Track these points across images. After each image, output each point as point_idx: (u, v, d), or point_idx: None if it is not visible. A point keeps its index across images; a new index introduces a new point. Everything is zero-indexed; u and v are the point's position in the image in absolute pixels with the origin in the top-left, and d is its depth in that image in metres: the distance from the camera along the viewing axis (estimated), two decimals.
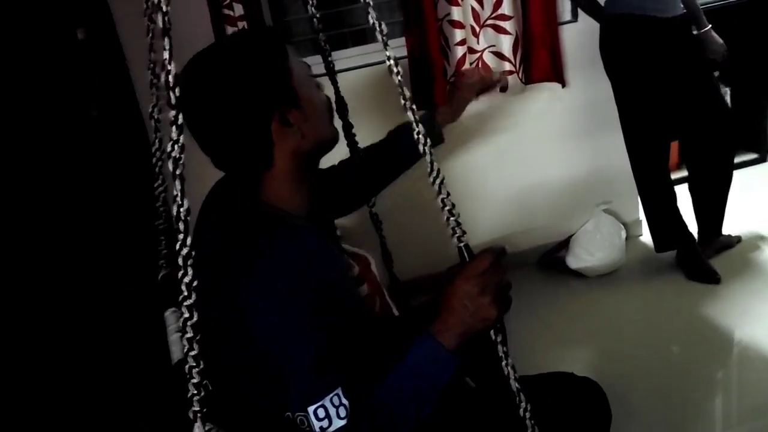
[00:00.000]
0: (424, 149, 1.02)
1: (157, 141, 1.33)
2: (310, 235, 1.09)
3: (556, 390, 1.31)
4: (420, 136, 1.01)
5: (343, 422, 0.96)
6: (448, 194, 1.01)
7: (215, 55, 1.09)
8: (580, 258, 2.79)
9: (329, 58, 1.48)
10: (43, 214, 2.28)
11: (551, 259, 2.90)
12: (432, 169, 1.01)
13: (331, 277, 1.09)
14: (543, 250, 2.92)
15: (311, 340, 0.97)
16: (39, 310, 2.31)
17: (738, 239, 2.80)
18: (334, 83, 1.49)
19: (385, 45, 1.04)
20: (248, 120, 1.05)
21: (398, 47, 2.56)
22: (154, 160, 1.34)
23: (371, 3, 1.05)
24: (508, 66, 2.57)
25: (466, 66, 2.54)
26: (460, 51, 2.53)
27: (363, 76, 2.55)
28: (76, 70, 2.21)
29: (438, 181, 1.01)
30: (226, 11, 2.32)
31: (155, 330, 1.29)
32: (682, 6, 2.40)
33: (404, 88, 1.02)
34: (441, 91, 2.55)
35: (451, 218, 1.01)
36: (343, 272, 1.15)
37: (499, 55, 2.57)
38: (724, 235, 2.76)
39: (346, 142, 1.51)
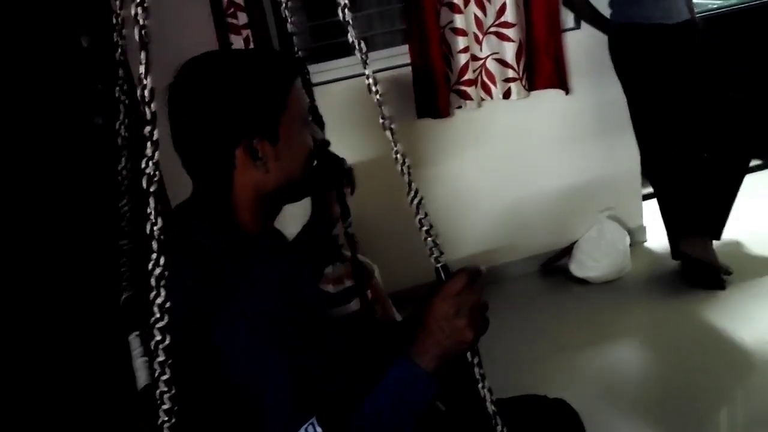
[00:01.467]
0: (402, 169, 0.99)
1: (123, 159, 1.29)
2: (280, 260, 1.09)
3: (528, 413, 1.30)
4: (399, 155, 0.98)
5: None
6: (426, 215, 0.98)
7: (218, 59, 1.07)
8: (583, 264, 2.78)
9: (306, 70, 1.40)
10: (46, 222, 2.29)
11: (554, 266, 2.90)
12: (410, 189, 0.98)
13: (302, 298, 1.08)
14: (546, 257, 2.92)
15: (286, 365, 0.96)
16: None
17: (728, 272, 2.65)
18: (311, 96, 1.40)
19: (365, 63, 1.00)
20: (215, 134, 1.02)
21: (401, 55, 2.57)
22: (119, 177, 1.30)
23: (351, 22, 1.01)
24: (511, 73, 2.57)
25: (469, 74, 2.54)
26: (463, 58, 2.53)
27: (358, 85, 2.56)
28: (80, 77, 2.22)
29: (416, 201, 0.98)
30: (230, 20, 2.33)
31: (118, 354, 1.26)
32: (687, 11, 2.41)
33: (383, 107, 1.00)
34: (444, 100, 2.55)
35: (429, 238, 0.98)
36: (317, 294, 1.13)
37: (503, 63, 2.57)
38: (715, 256, 2.65)
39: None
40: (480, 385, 1.00)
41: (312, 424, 0.95)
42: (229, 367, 0.94)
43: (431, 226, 0.98)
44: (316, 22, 2.76)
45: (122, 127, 1.28)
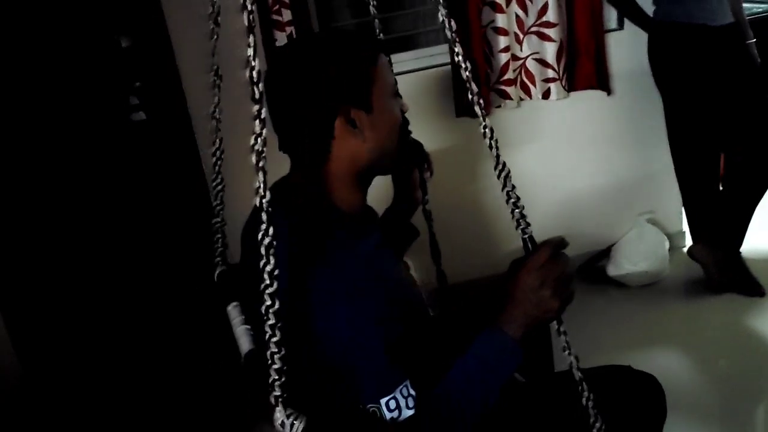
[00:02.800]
0: (490, 143, 1.05)
1: (217, 140, 1.36)
2: (372, 235, 1.16)
3: (613, 382, 1.32)
4: (486, 129, 1.04)
5: (411, 412, 1.01)
6: (514, 187, 1.05)
7: (309, 41, 1.17)
8: (621, 267, 2.76)
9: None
10: (95, 218, 2.37)
11: (591, 268, 2.88)
12: (498, 163, 1.05)
13: (392, 274, 1.15)
14: (583, 258, 2.90)
15: (381, 335, 1.02)
16: (90, 315, 2.41)
17: (762, 293, 2.58)
18: None
19: (454, 41, 1.05)
20: (316, 106, 1.08)
21: (442, 54, 2.59)
22: (213, 159, 1.37)
23: (442, 1, 1.06)
24: (551, 73, 2.57)
25: (509, 74, 2.54)
26: (503, 58, 2.54)
27: (406, 82, 2.58)
28: (121, 76, 2.30)
29: (504, 175, 1.05)
30: (275, 17, 2.38)
31: (216, 327, 1.33)
32: (731, 15, 2.37)
33: (472, 84, 1.05)
34: (484, 99, 2.56)
35: (516, 210, 1.04)
36: (401, 270, 1.20)
37: (543, 63, 2.57)
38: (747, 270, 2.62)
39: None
40: (566, 353, 1.06)
41: (406, 386, 1.01)
42: (327, 333, 1.01)
43: (518, 198, 1.05)
44: (360, 19, 2.79)
45: (216, 110, 1.35)
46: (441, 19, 1.05)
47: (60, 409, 2.35)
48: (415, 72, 2.58)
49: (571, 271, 1.05)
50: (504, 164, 1.05)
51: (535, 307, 1.03)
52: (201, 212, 2.41)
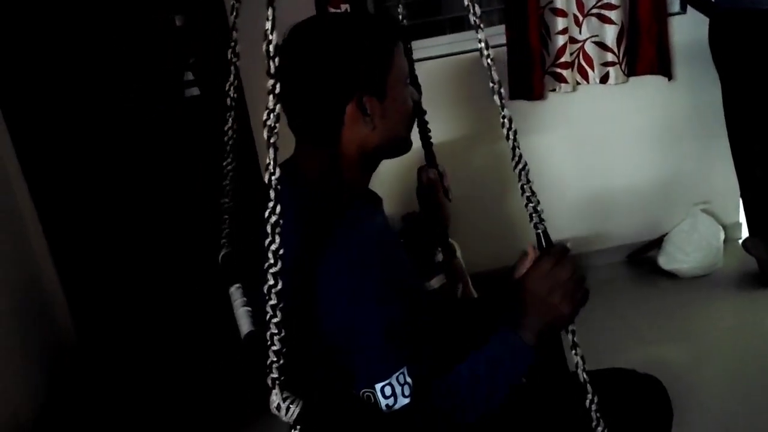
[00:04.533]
0: (507, 134, 1.01)
1: (230, 119, 1.34)
2: (377, 216, 1.15)
3: (617, 385, 1.30)
4: (505, 120, 1.01)
5: (407, 400, 0.99)
6: (529, 181, 1.01)
7: (329, 21, 1.12)
8: (673, 257, 2.71)
9: (408, 45, 1.46)
10: (150, 192, 2.42)
11: (642, 258, 2.83)
12: (514, 155, 1.02)
13: (397, 257, 1.13)
14: (634, 247, 2.86)
15: (382, 316, 1.00)
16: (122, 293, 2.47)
17: None
18: (411, 69, 1.45)
19: (477, 27, 1.01)
20: (329, 89, 1.06)
21: (497, 35, 2.54)
22: (225, 138, 1.35)
23: None
24: (610, 57, 2.51)
25: (566, 56, 2.49)
26: (561, 40, 2.48)
27: (456, 64, 2.55)
28: (176, 52, 2.32)
29: (519, 167, 1.01)
30: None
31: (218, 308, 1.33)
32: None
33: (493, 71, 1.01)
34: (538, 82, 2.52)
35: (530, 204, 1.01)
36: (404, 254, 1.18)
37: (602, 46, 2.51)
38: None
39: (418, 128, 1.50)
40: (573, 352, 1.03)
41: (402, 373, 0.99)
42: (328, 313, 0.99)
43: (533, 193, 1.01)
44: None
45: (231, 88, 1.32)
46: (465, 3, 1.00)
47: (108, 372, 2.44)
48: (465, 54, 2.55)
49: (581, 272, 1.03)
50: (520, 156, 1.01)
51: (546, 314, 1.02)
52: (252, 185, 2.45)
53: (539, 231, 1.02)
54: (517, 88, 2.53)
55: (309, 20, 1.10)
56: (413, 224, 1.52)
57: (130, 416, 2.28)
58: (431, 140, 1.53)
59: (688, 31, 2.57)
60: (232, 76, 1.30)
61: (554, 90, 2.58)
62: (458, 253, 2.36)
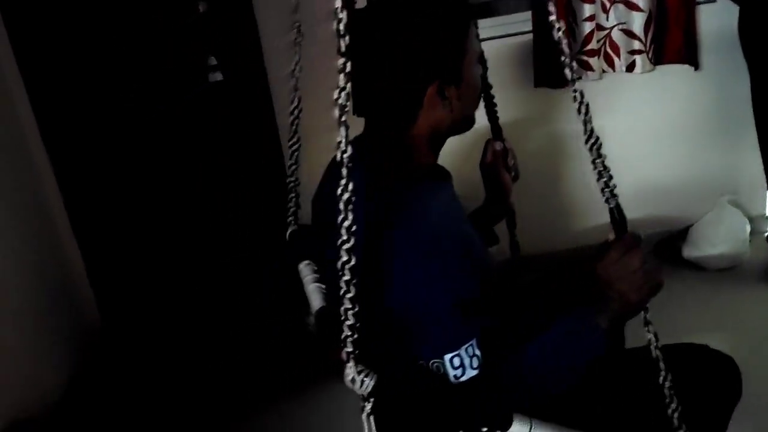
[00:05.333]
0: (579, 107, 1.03)
1: (296, 99, 1.36)
2: (447, 190, 1.18)
3: (688, 360, 1.31)
4: (577, 93, 1.02)
5: (475, 372, 1.01)
6: (600, 156, 1.04)
7: (400, 6, 1.11)
8: (699, 249, 2.68)
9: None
10: (172, 176, 2.43)
11: (667, 249, 2.80)
12: (586, 130, 1.03)
13: (466, 232, 1.15)
14: (659, 238, 2.83)
15: (454, 289, 1.02)
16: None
17: None
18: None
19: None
20: (409, 78, 1.08)
21: (523, 22, 2.52)
22: (291, 118, 1.37)
23: None
24: (637, 45, 2.47)
25: (593, 44, 2.46)
26: (587, 27, 2.45)
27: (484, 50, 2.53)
28: (199, 40, 2.33)
29: (591, 142, 1.03)
30: None
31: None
32: None
33: (564, 45, 1.02)
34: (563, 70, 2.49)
35: (602, 179, 1.04)
36: (472, 228, 1.20)
37: (629, 33, 2.47)
38: None
39: (485, 104, 1.50)
40: (646, 329, 1.06)
41: (472, 345, 1.01)
42: (399, 287, 1.01)
43: (605, 168, 1.03)
44: None
45: (297, 67, 1.34)
46: None
47: (132, 355, 2.47)
48: (492, 40, 2.53)
49: (653, 262, 1.04)
50: (592, 131, 1.03)
51: (615, 302, 1.03)
52: (274, 172, 2.46)
53: (611, 206, 1.05)
54: (542, 75, 2.51)
55: (378, 5, 1.12)
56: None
57: (153, 398, 2.31)
58: (497, 114, 1.53)
59: (716, 19, 2.53)
60: (297, 56, 1.33)
61: (579, 78, 2.54)
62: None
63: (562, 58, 1.02)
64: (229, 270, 2.48)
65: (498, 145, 1.49)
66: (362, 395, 0.97)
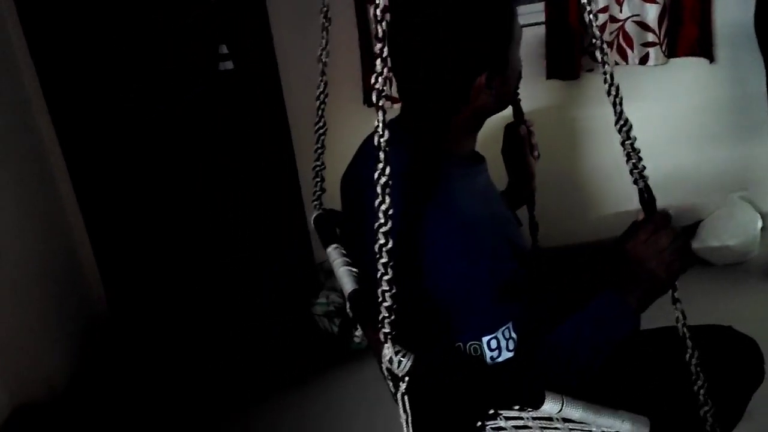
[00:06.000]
0: (609, 89, 1.04)
1: (322, 84, 1.35)
2: (482, 173, 1.19)
3: (713, 340, 1.31)
4: (608, 75, 1.03)
5: (510, 354, 1.02)
6: (629, 137, 1.06)
7: None
8: (708, 244, 2.66)
9: None
10: (183, 165, 2.43)
11: None
12: (616, 112, 1.06)
13: (502, 214, 1.16)
14: None
15: (491, 272, 1.02)
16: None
17: None
18: None
19: None
20: (457, 71, 1.07)
21: (536, 13, 2.49)
22: (317, 102, 1.36)
23: None
24: (651, 37, 2.45)
25: (606, 36, 2.43)
26: (601, 19, 2.42)
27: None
28: (209, 27, 2.32)
29: (620, 124, 1.05)
30: None
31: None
32: None
33: (595, 28, 1.03)
34: (576, 61, 2.47)
35: (631, 161, 1.04)
36: (508, 210, 1.21)
37: (643, 26, 2.44)
38: None
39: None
40: (674, 306, 1.07)
41: (508, 328, 1.02)
42: (436, 270, 1.02)
43: (633, 150, 1.05)
44: None
45: (323, 53, 1.33)
46: None
47: (138, 343, 2.48)
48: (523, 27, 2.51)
49: (681, 241, 1.04)
50: (621, 112, 1.05)
51: (645, 281, 1.04)
52: (284, 161, 2.46)
53: (640, 186, 1.05)
54: (554, 67, 2.48)
55: None
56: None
57: (156, 390, 2.32)
58: (519, 97, 1.50)
59: (732, 12, 2.50)
60: (324, 41, 1.32)
61: (591, 70, 2.53)
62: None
63: (594, 41, 1.03)
64: (234, 266, 2.48)
65: (523, 129, 1.48)
66: (398, 375, 0.97)
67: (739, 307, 2.44)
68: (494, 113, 1.18)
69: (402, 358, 0.95)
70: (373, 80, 0.92)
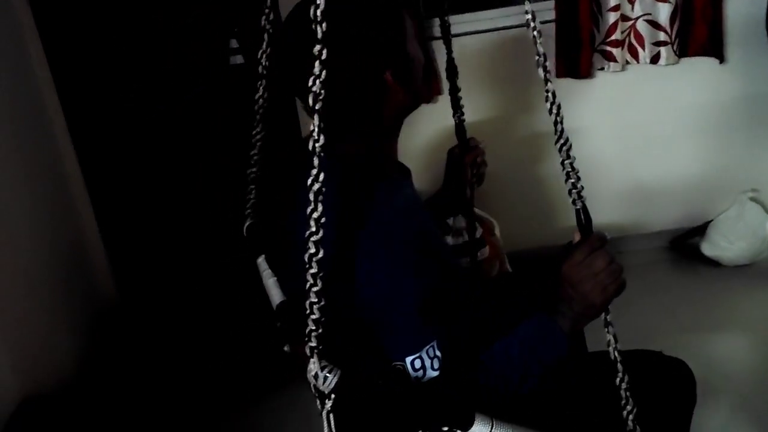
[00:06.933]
0: (551, 108, 1.00)
1: (261, 88, 1.32)
2: (407, 188, 1.16)
3: (643, 366, 1.28)
4: (550, 94, 0.99)
5: (435, 373, 1.00)
6: (569, 156, 1.00)
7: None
8: (717, 245, 2.65)
9: (446, 20, 1.45)
10: (192, 159, 2.45)
11: (684, 244, 2.78)
12: (556, 130, 1.01)
13: (428, 228, 1.13)
14: (677, 233, 2.80)
15: (415, 289, 1.00)
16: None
17: None
18: (448, 47, 1.47)
19: None
20: (365, 72, 1.05)
21: (546, 11, 2.49)
22: (256, 107, 1.33)
23: None
24: (662, 36, 2.44)
25: (617, 35, 2.43)
26: (612, 17, 2.42)
27: (495, 39, 2.52)
28: (219, 22, 2.33)
29: (561, 143, 1.00)
30: None
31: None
32: None
33: (539, 44, 1.00)
34: (586, 60, 2.46)
35: (569, 180, 1.00)
36: (434, 225, 1.18)
37: (654, 25, 2.43)
38: None
39: (451, 106, 1.50)
40: (606, 330, 1.03)
41: (433, 346, 1.00)
42: (362, 285, 0.99)
43: (573, 169, 1.00)
44: None
45: (264, 56, 1.30)
46: None
47: (147, 333, 2.50)
48: (507, 29, 2.50)
49: (617, 263, 1.02)
50: (562, 131, 1.00)
51: (578, 303, 1.01)
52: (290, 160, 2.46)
53: (578, 207, 1.01)
54: (564, 65, 2.48)
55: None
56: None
57: (167, 375, 2.33)
58: (464, 119, 1.51)
59: (743, 11, 2.48)
60: (265, 44, 1.29)
61: (602, 69, 2.53)
62: (496, 231, 2.35)
63: (536, 57, 0.99)
64: (234, 266, 2.49)
65: (474, 142, 1.48)
66: (323, 392, 0.94)
67: (748, 309, 2.44)
68: (410, 110, 1.16)
69: (328, 374, 0.92)
70: (310, 82, 0.89)
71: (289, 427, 2.14)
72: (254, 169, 1.37)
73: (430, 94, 1.17)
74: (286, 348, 1.19)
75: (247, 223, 1.37)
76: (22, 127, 2.16)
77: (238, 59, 2.36)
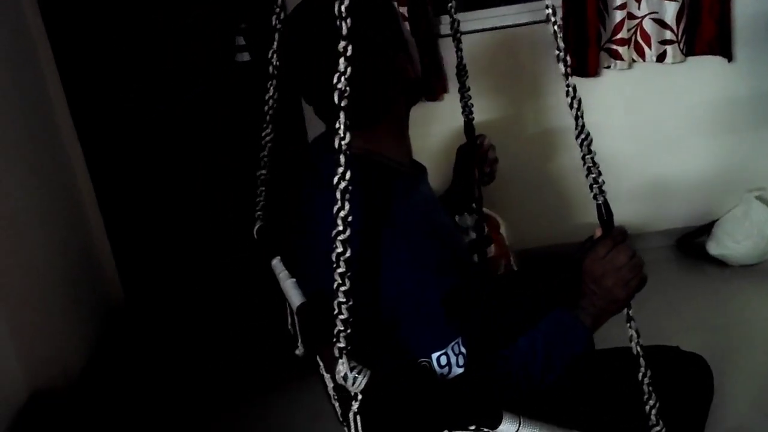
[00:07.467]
0: (571, 102, 1.00)
1: (271, 88, 1.30)
2: (423, 184, 1.16)
3: (661, 361, 1.27)
4: (570, 89, 0.99)
5: (461, 370, 1.00)
6: (591, 152, 1.01)
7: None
8: (723, 244, 2.64)
9: (454, 18, 1.44)
10: (199, 157, 2.45)
11: (691, 243, 2.77)
12: (577, 125, 1.01)
13: (445, 223, 1.13)
14: (683, 232, 2.79)
15: (439, 286, 1.00)
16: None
17: None
18: (457, 45, 1.46)
19: None
20: (375, 67, 1.05)
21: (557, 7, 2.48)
22: (266, 108, 1.30)
23: None
24: (669, 35, 2.43)
25: (623, 33, 2.42)
26: (618, 15, 2.41)
27: (507, 36, 2.51)
28: (226, 19, 2.33)
29: (582, 138, 1.01)
30: None
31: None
32: None
33: (559, 38, 0.99)
34: (593, 58, 2.46)
35: (591, 175, 1.00)
36: (448, 218, 1.18)
37: (661, 23, 2.43)
38: None
39: (461, 106, 1.50)
40: (628, 325, 1.03)
41: (458, 343, 1.00)
42: (386, 284, 0.99)
43: (594, 164, 1.00)
44: None
45: (274, 56, 1.28)
46: None
47: (153, 333, 2.51)
48: (518, 27, 2.50)
49: (639, 258, 1.02)
50: (583, 126, 1.00)
51: (601, 299, 1.01)
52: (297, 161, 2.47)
53: (599, 202, 1.02)
54: (571, 63, 2.47)
55: (307, 5, 1.08)
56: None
57: (172, 374, 2.34)
58: (473, 117, 1.50)
59: (751, 9, 2.48)
60: (275, 44, 1.27)
61: (609, 67, 2.52)
62: (502, 229, 2.35)
63: (557, 53, 0.99)
64: (234, 266, 2.49)
65: (481, 139, 1.48)
66: (353, 393, 0.92)
67: (754, 308, 2.43)
68: (417, 93, 1.17)
69: (357, 375, 0.89)
70: (335, 79, 0.86)
71: (293, 427, 2.14)
72: (264, 171, 1.35)
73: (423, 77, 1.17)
74: (297, 351, 1.18)
75: (257, 226, 1.35)
76: (34, 136, 2.19)
77: (245, 56, 2.36)
